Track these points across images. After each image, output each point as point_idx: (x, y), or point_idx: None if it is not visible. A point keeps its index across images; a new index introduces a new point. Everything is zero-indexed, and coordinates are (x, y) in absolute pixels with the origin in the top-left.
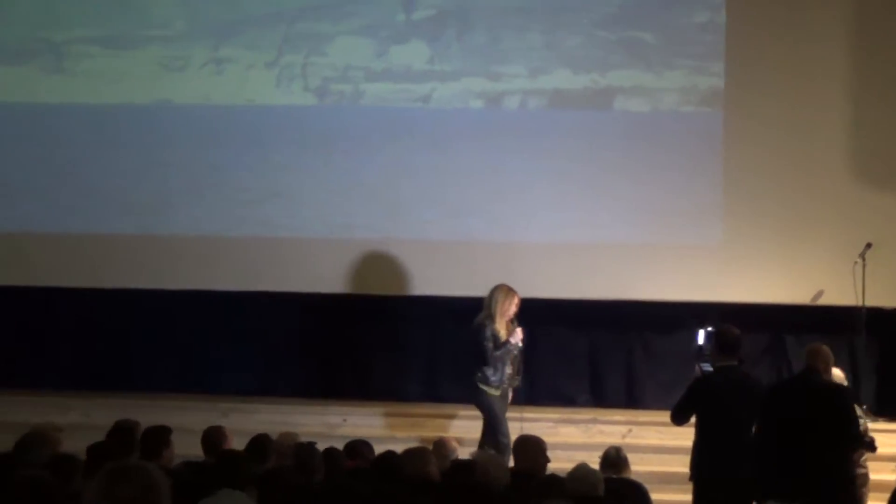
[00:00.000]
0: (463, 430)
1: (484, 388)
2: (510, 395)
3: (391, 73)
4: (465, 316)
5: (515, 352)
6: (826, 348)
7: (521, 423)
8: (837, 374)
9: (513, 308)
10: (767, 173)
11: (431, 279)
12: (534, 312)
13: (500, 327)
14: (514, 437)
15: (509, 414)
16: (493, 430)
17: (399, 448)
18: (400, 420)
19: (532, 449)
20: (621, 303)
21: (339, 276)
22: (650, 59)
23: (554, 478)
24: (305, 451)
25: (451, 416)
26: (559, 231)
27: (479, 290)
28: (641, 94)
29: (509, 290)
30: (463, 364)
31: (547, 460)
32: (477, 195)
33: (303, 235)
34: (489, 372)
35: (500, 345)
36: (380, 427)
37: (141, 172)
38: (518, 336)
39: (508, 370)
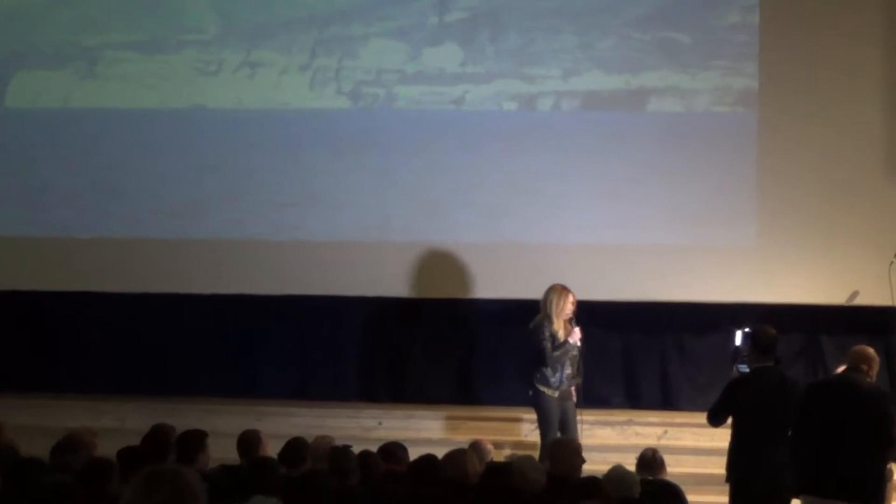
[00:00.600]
0: (498, 432)
1: (543, 389)
2: (573, 395)
3: (424, 76)
4: (501, 318)
5: (574, 352)
6: (871, 351)
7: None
8: None
9: (568, 307)
10: (802, 173)
11: (466, 281)
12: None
13: (558, 327)
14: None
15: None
16: (541, 433)
17: (434, 451)
18: (435, 423)
19: (567, 451)
20: (656, 304)
21: (373, 279)
22: (683, 60)
23: (591, 479)
24: (340, 454)
25: (487, 419)
26: (593, 233)
27: (514, 292)
28: (675, 95)
29: (563, 290)
30: (501, 366)
31: (582, 461)
32: (511, 197)
33: (337, 239)
34: (548, 373)
35: (558, 345)
36: (414, 430)
37: (175, 177)
38: (576, 335)
39: (568, 370)
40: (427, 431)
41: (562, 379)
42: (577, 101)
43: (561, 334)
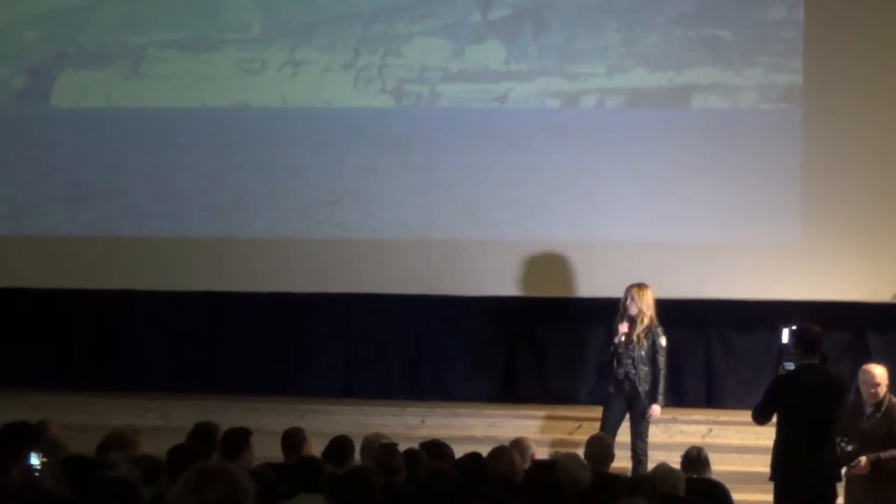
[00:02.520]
0: (540, 430)
1: (607, 384)
2: (642, 397)
3: (468, 74)
4: (544, 316)
5: (642, 351)
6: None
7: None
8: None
9: (632, 306)
10: (846, 170)
11: (510, 280)
12: (612, 312)
13: (621, 325)
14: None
15: None
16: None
17: (477, 449)
18: (477, 421)
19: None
20: (701, 301)
21: (416, 277)
22: (728, 57)
23: (638, 478)
24: (387, 451)
25: (529, 417)
26: (637, 230)
27: (558, 290)
28: (719, 92)
29: (628, 288)
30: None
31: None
32: (554, 195)
33: (380, 237)
34: (610, 369)
35: (612, 343)
36: (458, 428)
37: (219, 175)
38: (620, 329)
39: (628, 369)
40: (470, 429)
41: (617, 376)
42: (621, 99)
43: (621, 332)
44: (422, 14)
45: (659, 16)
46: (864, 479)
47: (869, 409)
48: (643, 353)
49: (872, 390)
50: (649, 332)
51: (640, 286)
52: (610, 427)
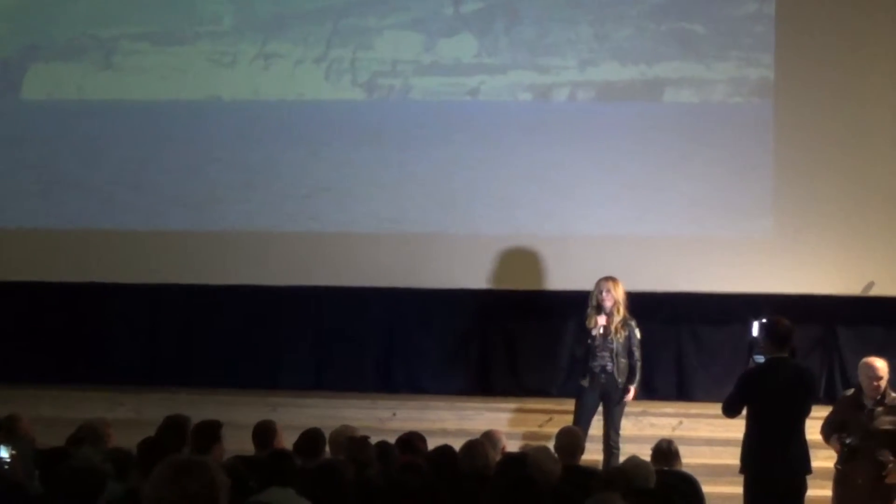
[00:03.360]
0: (511, 423)
1: (580, 378)
2: (620, 389)
3: (440, 67)
4: (517, 309)
5: (613, 345)
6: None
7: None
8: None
9: (608, 298)
10: (818, 164)
11: (481, 273)
12: (584, 305)
13: (598, 318)
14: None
15: None
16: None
17: (448, 442)
18: (448, 413)
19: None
20: (672, 295)
21: (389, 270)
22: (700, 51)
23: (607, 470)
24: (359, 445)
25: (500, 410)
26: (609, 224)
27: (530, 283)
28: (691, 86)
29: (601, 281)
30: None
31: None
32: (527, 188)
33: (353, 230)
34: (584, 362)
35: (589, 336)
36: (429, 421)
37: (191, 168)
38: (598, 324)
39: (605, 362)
40: (442, 422)
41: (591, 369)
42: (592, 92)
43: (592, 325)
44: (394, 7)
45: (631, 9)
46: (859, 474)
47: (870, 403)
48: (620, 345)
49: (875, 383)
50: (625, 324)
51: (613, 279)
52: (584, 421)
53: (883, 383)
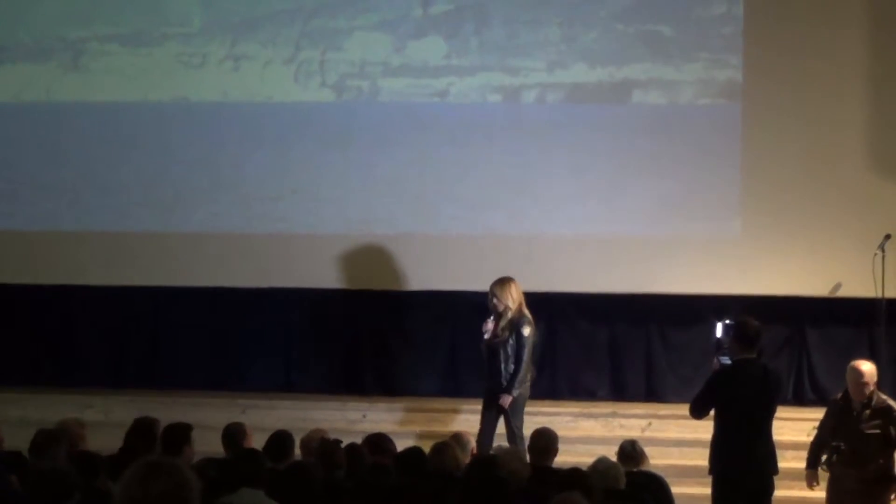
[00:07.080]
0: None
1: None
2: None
3: (409, 69)
4: (485, 310)
5: (508, 347)
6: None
7: None
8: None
9: (498, 304)
10: (786, 166)
11: (451, 274)
12: (553, 306)
13: (485, 323)
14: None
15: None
16: None
17: (418, 444)
18: (419, 415)
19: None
20: (641, 296)
21: (358, 272)
22: (668, 52)
23: (575, 471)
24: (329, 447)
25: (470, 412)
26: (578, 225)
27: None
28: (659, 88)
29: (490, 286)
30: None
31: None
32: (496, 189)
33: (322, 232)
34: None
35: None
36: (399, 422)
37: (159, 170)
38: (488, 328)
39: (492, 367)
40: (411, 424)
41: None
42: (561, 94)
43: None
44: (363, 9)
45: (599, 11)
46: (851, 477)
47: (858, 406)
48: (509, 348)
49: (862, 387)
50: (512, 327)
51: (502, 281)
52: (486, 433)
53: (870, 387)
